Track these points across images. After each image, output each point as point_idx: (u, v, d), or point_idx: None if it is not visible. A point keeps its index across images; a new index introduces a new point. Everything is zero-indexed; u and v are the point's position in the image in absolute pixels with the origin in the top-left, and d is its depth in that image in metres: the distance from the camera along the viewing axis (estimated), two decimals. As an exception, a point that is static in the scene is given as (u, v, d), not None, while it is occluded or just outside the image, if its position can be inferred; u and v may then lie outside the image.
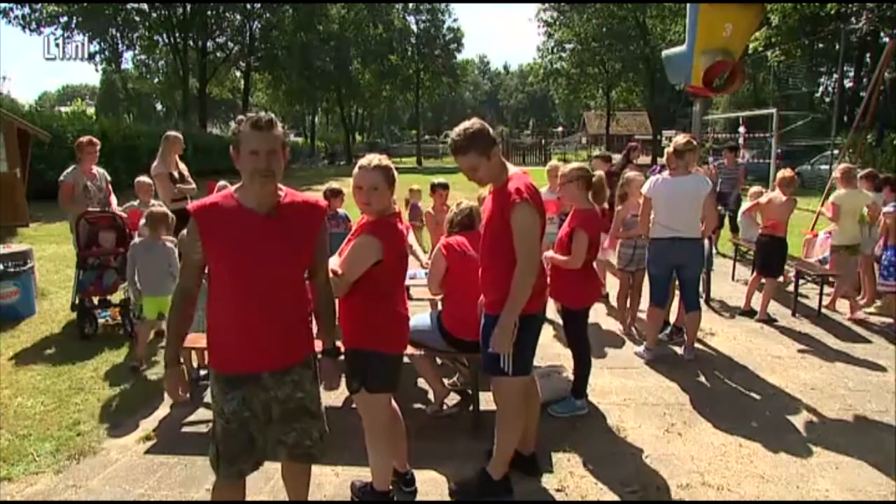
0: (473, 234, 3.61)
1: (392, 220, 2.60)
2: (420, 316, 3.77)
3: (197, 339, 3.44)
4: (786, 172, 5.95)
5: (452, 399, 4.02)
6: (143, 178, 6.01)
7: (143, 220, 5.01)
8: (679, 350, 5.03)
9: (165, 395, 4.18)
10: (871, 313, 6.07)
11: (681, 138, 4.78)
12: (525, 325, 2.77)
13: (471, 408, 3.77)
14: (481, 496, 2.96)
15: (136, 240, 4.87)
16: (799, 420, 3.85)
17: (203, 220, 2.11)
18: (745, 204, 7.51)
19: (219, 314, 2.20)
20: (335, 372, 2.46)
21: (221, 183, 5.02)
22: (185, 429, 3.76)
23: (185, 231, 2.38)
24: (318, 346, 2.43)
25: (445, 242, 3.67)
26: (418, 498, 2.99)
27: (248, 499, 2.45)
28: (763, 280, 6.09)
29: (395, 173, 2.61)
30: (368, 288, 2.56)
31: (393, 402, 2.84)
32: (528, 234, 2.68)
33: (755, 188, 7.58)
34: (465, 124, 2.72)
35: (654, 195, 4.72)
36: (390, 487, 2.85)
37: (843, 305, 6.28)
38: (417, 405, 4.03)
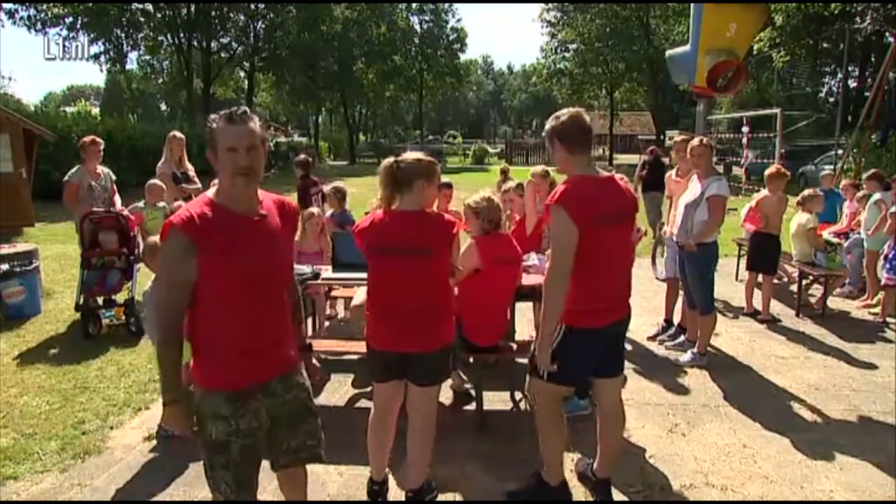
0: (501, 236, 3.54)
1: (362, 223, 2.74)
2: None
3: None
4: (770, 169, 5.88)
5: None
6: (154, 181, 6.05)
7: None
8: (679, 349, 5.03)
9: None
10: (873, 313, 6.07)
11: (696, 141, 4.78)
12: (571, 337, 2.62)
13: (475, 408, 3.77)
14: (535, 500, 2.91)
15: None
16: (803, 420, 3.85)
17: (195, 234, 1.91)
18: (749, 204, 7.50)
19: (219, 329, 2.03)
20: (315, 365, 2.48)
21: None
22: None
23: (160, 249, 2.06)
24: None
25: (481, 242, 3.48)
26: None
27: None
28: (759, 279, 6.06)
29: (391, 175, 2.65)
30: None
31: (379, 408, 2.84)
32: (557, 240, 2.57)
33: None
34: (561, 111, 2.69)
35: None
36: (384, 477, 2.90)
37: (837, 304, 6.27)
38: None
